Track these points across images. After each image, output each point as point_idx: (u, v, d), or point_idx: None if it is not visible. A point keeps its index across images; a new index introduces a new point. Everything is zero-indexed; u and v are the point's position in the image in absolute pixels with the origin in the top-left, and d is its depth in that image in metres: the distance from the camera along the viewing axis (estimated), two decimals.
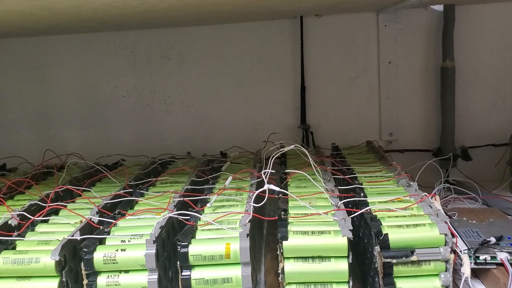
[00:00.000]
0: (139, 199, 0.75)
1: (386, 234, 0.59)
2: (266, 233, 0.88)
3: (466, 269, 0.60)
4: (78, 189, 0.78)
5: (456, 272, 0.63)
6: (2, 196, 0.79)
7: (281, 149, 0.77)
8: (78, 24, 0.98)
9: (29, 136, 1.18)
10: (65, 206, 0.74)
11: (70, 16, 0.83)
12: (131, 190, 0.79)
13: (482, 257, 0.67)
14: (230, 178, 0.77)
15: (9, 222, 0.68)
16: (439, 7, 1.09)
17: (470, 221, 0.81)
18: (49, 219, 0.70)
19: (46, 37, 1.15)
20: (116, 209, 0.71)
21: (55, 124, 1.18)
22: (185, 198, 0.72)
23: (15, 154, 1.10)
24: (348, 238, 0.58)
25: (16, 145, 1.18)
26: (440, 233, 0.59)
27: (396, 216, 0.63)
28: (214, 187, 0.80)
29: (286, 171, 0.81)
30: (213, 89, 1.16)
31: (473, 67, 1.11)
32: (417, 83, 1.13)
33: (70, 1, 0.68)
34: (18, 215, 0.69)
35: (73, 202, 0.77)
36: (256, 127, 1.16)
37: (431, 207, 0.65)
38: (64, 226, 0.68)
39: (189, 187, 0.80)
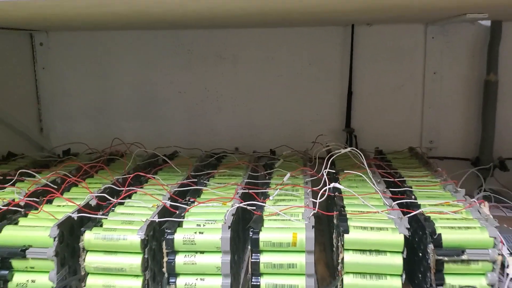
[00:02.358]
0: (204, 188, 0.82)
1: (440, 234, 0.64)
2: None
3: (511, 270, 0.65)
4: (149, 176, 0.85)
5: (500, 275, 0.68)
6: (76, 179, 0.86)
7: (337, 151, 0.83)
8: (143, 22, 1.03)
9: (88, 125, 1.26)
10: (135, 192, 0.81)
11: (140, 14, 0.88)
12: (195, 180, 0.86)
13: None
14: (288, 175, 0.83)
15: (90, 202, 0.75)
16: (487, 22, 1.13)
17: (510, 228, 0.86)
18: (124, 202, 0.76)
19: (108, 32, 1.22)
20: (186, 196, 0.77)
21: (113, 115, 1.25)
22: (249, 191, 0.78)
23: (73, 141, 1.18)
24: (404, 235, 0.64)
25: (75, 133, 1.25)
26: (489, 236, 0.64)
27: (447, 219, 0.69)
28: (270, 182, 0.87)
29: (339, 170, 0.87)
30: (263, 89, 1.22)
31: None
32: (460, 94, 1.17)
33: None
34: (97, 196, 0.76)
35: (141, 187, 0.84)
36: (302, 128, 1.22)
37: (480, 213, 0.70)
38: (138, 209, 0.74)
39: (247, 180, 0.86)
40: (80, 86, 1.25)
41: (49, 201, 0.77)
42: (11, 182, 0.84)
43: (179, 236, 0.65)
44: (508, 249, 0.75)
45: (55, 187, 0.82)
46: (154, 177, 0.84)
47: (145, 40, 1.22)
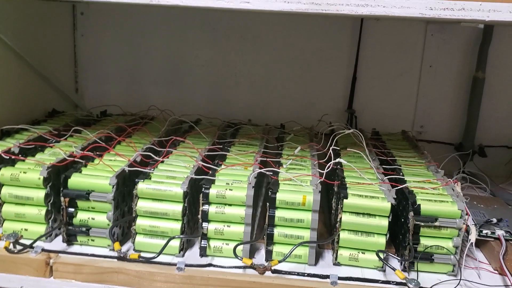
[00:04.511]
0: (228, 154, 0.98)
1: (419, 204, 0.80)
2: None
3: (472, 237, 0.82)
4: (185, 140, 1.01)
5: (463, 240, 0.85)
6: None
7: (342, 131, 0.99)
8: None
9: (119, 89, 1.39)
10: (171, 152, 0.97)
11: None
12: (220, 146, 1.02)
13: (484, 231, 0.90)
14: (299, 148, 0.99)
15: (136, 159, 0.91)
16: (480, 25, 1.27)
17: (478, 205, 1.03)
18: (164, 160, 0.92)
19: (143, 9, 1.35)
20: (214, 159, 0.93)
21: (142, 81, 1.39)
22: (267, 159, 0.94)
23: (105, 102, 1.33)
24: (391, 203, 0.80)
25: (107, 95, 1.39)
26: (458, 209, 0.80)
27: (427, 193, 0.85)
28: (282, 153, 1.03)
29: (340, 147, 1.03)
30: (277, 69, 1.36)
31: (501, 80, 1.29)
32: (451, 87, 1.32)
33: None
34: (142, 154, 0.92)
35: (175, 149, 1.00)
36: (309, 106, 1.36)
37: (453, 190, 0.87)
38: (176, 167, 0.90)
39: (263, 150, 1.02)
40: (114, 53, 1.38)
41: (100, 155, 0.92)
42: (65, 137, 1.00)
43: (213, 191, 0.81)
44: (473, 220, 0.92)
45: (103, 143, 0.97)
46: (189, 142, 1.00)
47: (175, 17, 1.35)
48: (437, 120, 1.35)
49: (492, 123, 1.32)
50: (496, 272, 0.84)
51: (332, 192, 0.95)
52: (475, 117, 1.30)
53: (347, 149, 0.97)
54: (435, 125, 1.35)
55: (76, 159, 0.87)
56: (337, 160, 0.87)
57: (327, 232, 0.94)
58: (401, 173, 0.93)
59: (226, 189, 0.81)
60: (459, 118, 1.33)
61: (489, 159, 1.30)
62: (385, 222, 0.81)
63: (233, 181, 0.84)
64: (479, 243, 0.90)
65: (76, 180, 0.82)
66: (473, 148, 1.30)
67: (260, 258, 0.84)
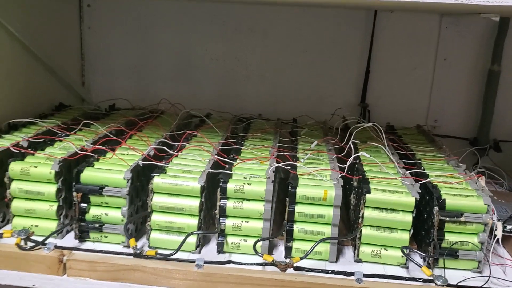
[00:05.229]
0: (243, 148, 0.95)
1: (444, 199, 0.78)
2: None
3: (499, 232, 0.79)
4: (197, 133, 0.98)
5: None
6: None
7: (360, 125, 0.96)
8: None
9: (126, 83, 1.36)
10: (184, 146, 0.94)
11: None
12: (234, 140, 0.99)
13: (508, 227, 0.87)
14: (315, 142, 0.96)
15: (149, 153, 0.88)
16: (496, 17, 1.24)
17: (499, 200, 1.00)
18: (178, 154, 0.89)
19: (152, 1, 1.32)
20: (228, 154, 0.91)
21: (151, 76, 1.36)
22: (284, 153, 0.91)
23: (112, 96, 1.30)
24: (415, 198, 0.77)
25: (114, 89, 1.36)
26: (484, 204, 0.78)
27: (451, 188, 0.82)
28: (298, 147, 1.00)
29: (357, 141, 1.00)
30: (288, 62, 1.33)
31: None
32: (465, 80, 1.29)
33: None
34: (155, 148, 0.89)
35: (187, 143, 0.97)
36: (321, 100, 1.34)
37: (477, 185, 0.84)
38: (191, 161, 0.87)
39: (278, 144, 0.99)
40: (122, 46, 1.35)
41: (112, 149, 0.89)
42: (74, 131, 0.97)
43: (231, 186, 0.78)
44: (497, 216, 0.90)
45: (114, 137, 0.94)
46: (203, 136, 0.97)
47: (185, 10, 1.32)
48: (451, 114, 1.32)
49: (508, 117, 1.29)
50: None
51: (349, 187, 0.93)
52: (490, 111, 1.27)
53: (367, 142, 0.94)
54: (449, 119, 1.32)
55: (88, 153, 0.84)
56: (359, 153, 0.84)
57: (345, 228, 0.92)
58: (422, 168, 0.90)
59: (244, 184, 0.78)
60: (473, 112, 1.31)
61: (505, 154, 1.28)
62: (409, 218, 0.78)
63: (251, 176, 0.81)
64: (502, 239, 0.87)
65: (89, 175, 0.79)
66: (488, 143, 1.28)
67: (278, 254, 0.82)
